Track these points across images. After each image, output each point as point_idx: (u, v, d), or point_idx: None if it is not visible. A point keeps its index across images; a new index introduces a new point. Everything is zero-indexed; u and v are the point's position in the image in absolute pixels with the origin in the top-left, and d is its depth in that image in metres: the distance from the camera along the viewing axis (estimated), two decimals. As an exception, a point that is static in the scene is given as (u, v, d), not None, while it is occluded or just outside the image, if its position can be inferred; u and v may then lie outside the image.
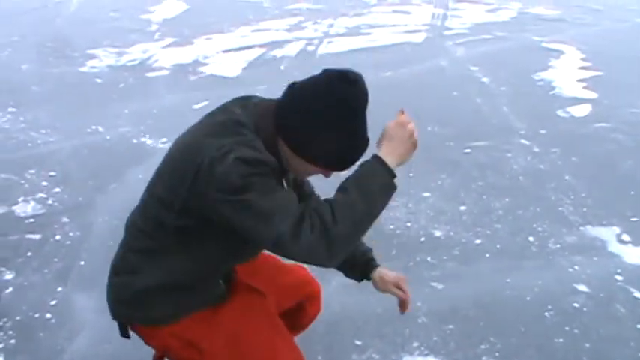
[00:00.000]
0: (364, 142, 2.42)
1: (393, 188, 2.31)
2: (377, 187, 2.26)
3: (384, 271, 2.94)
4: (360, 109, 2.36)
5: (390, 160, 2.29)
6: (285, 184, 2.53)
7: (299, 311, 3.12)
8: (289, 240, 2.15)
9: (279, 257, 2.83)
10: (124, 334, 2.75)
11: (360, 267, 2.95)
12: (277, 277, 3.00)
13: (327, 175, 2.51)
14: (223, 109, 2.44)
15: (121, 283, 2.64)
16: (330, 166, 2.43)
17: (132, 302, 2.61)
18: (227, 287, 2.70)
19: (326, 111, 2.28)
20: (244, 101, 2.46)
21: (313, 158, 2.39)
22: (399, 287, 2.89)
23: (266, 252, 2.71)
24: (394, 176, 2.30)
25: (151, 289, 2.53)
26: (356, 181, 2.25)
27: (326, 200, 2.25)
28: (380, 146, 2.34)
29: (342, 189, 2.26)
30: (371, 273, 2.94)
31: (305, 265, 3.02)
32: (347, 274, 3.02)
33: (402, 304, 2.91)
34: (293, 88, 2.39)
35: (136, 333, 2.73)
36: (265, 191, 2.19)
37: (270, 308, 2.77)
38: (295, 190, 2.65)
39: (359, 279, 3.00)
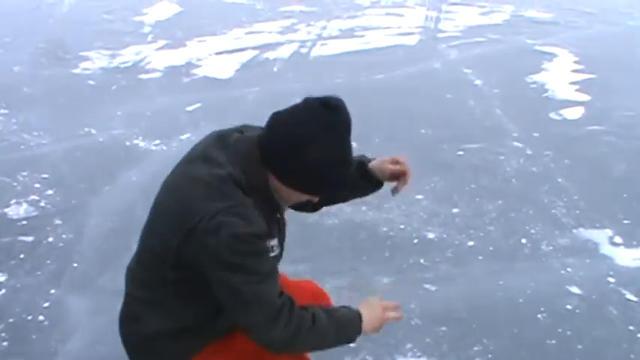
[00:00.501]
0: (349, 166, 2.46)
1: (352, 342, 2.60)
2: (347, 334, 2.55)
3: (376, 162, 2.93)
4: (344, 135, 2.36)
5: (364, 324, 2.57)
6: (279, 217, 2.60)
7: None
8: (259, 330, 2.34)
9: (286, 275, 2.89)
10: None
11: (359, 178, 2.91)
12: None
13: (315, 200, 2.58)
14: (204, 155, 2.41)
15: (128, 332, 2.66)
16: (320, 192, 2.50)
17: (142, 347, 2.63)
18: None
19: (312, 140, 2.28)
20: (223, 140, 2.44)
21: (303, 187, 2.42)
22: (396, 163, 2.90)
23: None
24: (359, 335, 2.59)
25: (159, 333, 2.54)
26: (339, 319, 2.51)
27: (311, 308, 2.45)
28: (363, 308, 2.62)
29: (327, 312, 2.49)
30: (369, 172, 2.92)
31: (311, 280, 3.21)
32: (355, 195, 3.06)
33: (400, 183, 2.91)
34: (275, 119, 2.38)
35: None
36: (252, 280, 2.28)
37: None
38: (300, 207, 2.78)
39: (371, 187, 2.99)
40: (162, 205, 2.46)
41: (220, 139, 2.45)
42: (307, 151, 2.28)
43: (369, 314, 2.60)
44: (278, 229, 2.57)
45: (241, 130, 2.52)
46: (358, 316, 2.56)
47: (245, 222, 2.24)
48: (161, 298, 2.51)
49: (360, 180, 2.89)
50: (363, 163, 2.89)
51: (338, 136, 2.33)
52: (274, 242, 2.48)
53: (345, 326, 2.52)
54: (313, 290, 3.09)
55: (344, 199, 3.14)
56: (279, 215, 2.58)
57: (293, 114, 2.34)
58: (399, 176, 2.89)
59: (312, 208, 2.90)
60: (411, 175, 2.90)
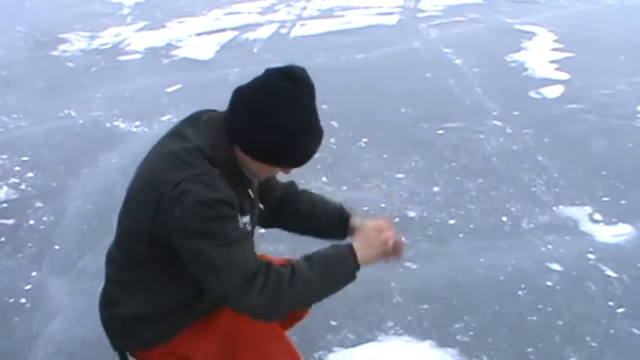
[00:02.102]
0: (319, 134, 2.43)
1: (352, 279, 2.43)
2: (340, 273, 2.40)
3: (360, 222, 2.84)
4: (309, 103, 2.35)
5: (359, 256, 2.42)
6: (251, 194, 2.54)
7: None
8: (235, 297, 2.25)
9: (265, 255, 2.86)
10: None
11: (337, 229, 2.89)
12: None
13: (287, 172, 2.55)
14: (175, 133, 2.41)
15: (108, 315, 2.65)
16: (289, 164, 2.45)
17: (122, 330, 2.62)
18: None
19: (276, 112, 2.27)
20: (195, 120, 2.44)
21: (272, 160, 2.40)
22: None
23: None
24: (358, 269, 2.43)
25: (137, 316, 2.54)
26: (324, 260, 2.38)
27: (290, 263, 2.34)
28: (354, 239, 2.51)
29: (308, 259, 2.38)
30: (348, 231, 2.86)
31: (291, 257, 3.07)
32: (325, 236, 2.93)
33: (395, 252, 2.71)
34: (238, 94, 2.36)
35: None
36: (221, 242, 2.23)
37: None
38: (265, 193, 2.77)
39: (340, 236, 2.90)
40: (134, 186, 2.46)
41: (192, 118, 2.46)
42: (268, 120, 2.27)
43: (363, 242, 2.48)
44: (250, 206, 2.52)
45: (214, 110, 2.52)
46: (349, 250, 2.42)
47: (209, 188, 2.22)
48: (139, 281, 2.51)
49: (334, 223, 2.88)
50: (346, 214, 2.88)
51: (300, 104, 2.31)
52: (246, 219, 2.43)
53: (335, 265, 2.39)
54: None
55: (302, 232, 3.01)
56: (250, 190, 2.54)
57: (254, 86, 2.34)
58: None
59: (264, 223, 2.88)
60: (402, 248, 2.70)
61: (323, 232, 2.93)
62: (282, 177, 2.77)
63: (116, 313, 2.59)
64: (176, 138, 2.37)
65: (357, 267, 2.42)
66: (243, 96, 2.34)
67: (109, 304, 2.63)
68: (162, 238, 2.30)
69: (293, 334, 3.40)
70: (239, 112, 2.33)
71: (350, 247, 2.43)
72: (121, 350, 2.72)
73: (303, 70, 2.33)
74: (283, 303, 2.29)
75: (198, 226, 2.20)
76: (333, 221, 2.88)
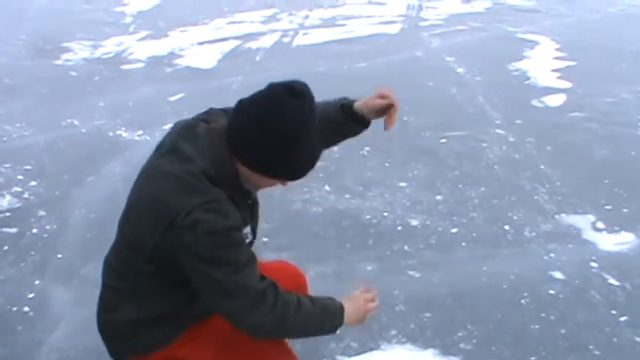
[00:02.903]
0: (318, 149, 2.44)
1: (334, 331, 2.63)
2: (330, 323, 2.58)
3: (362, 101, 2.84)
4: (311, 119, 2.35)
5: (345, 316, 2.61)
6: (251, 202, 2.57)
7: None
8: (244, 317, 2.36)
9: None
10: None
11: (343, 117, 2.83)
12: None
13: (284, 185, 2.56)
14: (174, 150, 2.39)
15: (105, 321, 2.67)
16: (289, 178, 2.47)
17: (119, 336, 2.63)
18: None
19: (278, 127, 2.28)
20: (191, 133, 2.42)
21: (272, 174, 2.42)
22: (384, 97, 2.81)
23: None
24: (340, 326, 2.62)
25: (134, 322, 2.55)
26: (324, 307, 2.55)
27: (296, 293, 2.49)
28: (345, 300, 2.66)
29: (311, 300, 2.53)
30: (355, 113, 2.83)
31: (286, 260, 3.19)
32: (343, 135, 2.93)
33: (389, 117, 2.81)
34: (240, 107, 2.37)
35: None
36: (231, 270, 2.30)
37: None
38: None
39: (357, 126, 2.88)
40: (136, 200, 2.47)
41: (188, 130, 2.43)
42: (271, 135, 2.28)
43: (351, 307, 2.64)
44: (250, 215, 2.55)
45: (206, 118, 2.50)
46: (341, 308, 2.60)
47: (220, 217, 2.25)
48: (137, 289, 2.52)
49: (348, 122, 2.82)
50: (348, 105, 2.83)
51: (302, 120, 2.32)
52: (247, 230, 2.48)
53: (330, 315, 2.56)
54: (288, 271, 3.09)
55: (335, 143, 2.93)
56: (250, 201, 2.56)
57: (257, 100, 2.34)
58: (386, 111, 2.82)
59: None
60: (397, 107, 2.80)
61: (346, 136, 2.93)
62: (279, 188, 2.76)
63: (113, 319, 2.60)
64: (177, 157, 2.35)
65: (342, 324, 2.61)
66: (245, 109, 2.35)
67: (106, 311, 2.64)
68: (166, 258, 2.33)
69: (296, 343, 3.40)
70: (241, 126, 2.33)
71: (341, 305, 2.61)
72: (117, 357, 2.72)
73: (305, 85, 2.34)
74: (286, 329, 2.44)
75: (210, 254, 2.26)
76: (346, 124, 2.85)
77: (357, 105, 2.82)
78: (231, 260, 2.29)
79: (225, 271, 2.28)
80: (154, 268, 2.41)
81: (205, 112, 2.57)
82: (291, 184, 2.56)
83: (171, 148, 2.40)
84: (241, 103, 2.37)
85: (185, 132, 2.43)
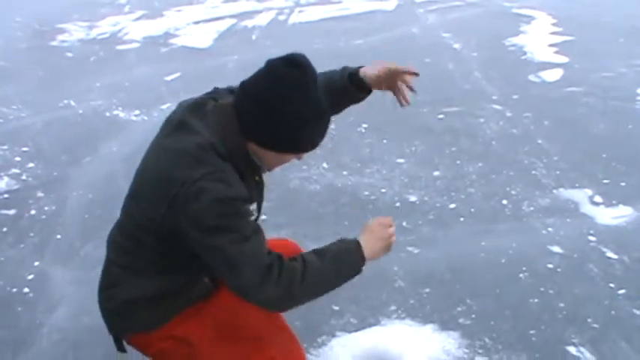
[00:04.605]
0: (327, 116, 2.43)
1: (358, 272, 2.47)
2: (348, 267, 2.44)
3: (368, 69, 2.84)
4: (313, 88, 2.34)
5: (366, 252, 2.46)
6: (258, 179, 2.57)
7: None
8: (251, 291, 2.29)
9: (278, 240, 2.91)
10: (120, 347, 2.76)
11: (350, 85, 2.83)
12: None
13: (299, 158, 2.55)
14: (181, 124, 2.39)
15: (107, 297, 2.65)
16: (302, 149, 2.46)
17: (120, 313, 2.62)
18: (213, 283, 2.72)
19: (282, 99, 2.28)
20: (200, 109, 2.43)
21: (286, 148, 2.41)
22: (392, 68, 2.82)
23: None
24: (364, 263, 2.46)
25: (137, 299, 2.54)
26: (334, 255, 2.42)
27: (300, 256, 2.38)
28: (361, 235, 2.51)
29: (318, 253, 2.41)
30: (361, 80, 2.83)
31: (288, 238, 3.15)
32: (351, 101, 2.93)
33: (399, 92, 2.85)
34: (243, 87, 2.37)
35: (132, 346, 2.73)
36: (236, 239, 2.26)
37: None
38: None
39: (360, 93, 2.88)
40: (143, 177, 2.46)
41: (196, 107, 2.44)
42: (275, 109, 2.29)
43: (371, 238, 2.52)
44: (258, 192, 2.57)
45: (214, 96, 2.50)
46: (356, 245, 2.47)
47: (225, 185, 2.24)
48: (141, 264, 2.52)
49: (355, 89, 2.83)
50: (355, 72, 2.83)
51: (305, 89, 2.31)
52: (253, 207, 2.46)
53: (344, 262, 2.43)
54: (289, 249, 3.08)
55: (340, 110, 2.93)
56: (257, 178, 2.56)
57: (258, 78, 2.35)
58: (389, 81, 2.84)
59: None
60: (413, 72, 2.82)
61: (349, 102, 2.92)
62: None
63: (115, 294, 2.59)
64: (184, 131, 2.36)
65: (363, 261, 2.46)
66: (247, 89, 2.35)
67: (109, 286, 2.63)
68: (173, 232, 2.32)
69: (295, 320, 3.42)
70: (246, 105, 2.33)
71: (357, 242, 2.47)
72: (116, 334, 2.72)
73: (304, 56, 2.34)
74: (297, 295, 2.34)
75: (215, 222, 2.23)
76: (351, 90, 2.85)
77: (363, 72, 2.83)
78: (236, 229, 2.26)
79: (230, 239, 2.25)
80: (159, 244, 2.40)
81: (211, 92, 2.56)
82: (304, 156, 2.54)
83: (179, 124, 2.40)
84: (243, 84, 2.38)
85: (194, 108, 2.44)
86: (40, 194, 5.34)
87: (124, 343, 2.73)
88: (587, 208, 5.07)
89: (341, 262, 2.42)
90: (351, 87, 2.82)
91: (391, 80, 2.85)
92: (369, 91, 2.89)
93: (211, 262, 2.33)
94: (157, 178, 2.35)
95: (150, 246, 2.43)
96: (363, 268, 2.47)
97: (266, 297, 2.29)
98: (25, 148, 6.16)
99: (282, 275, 2.29)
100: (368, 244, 2.48)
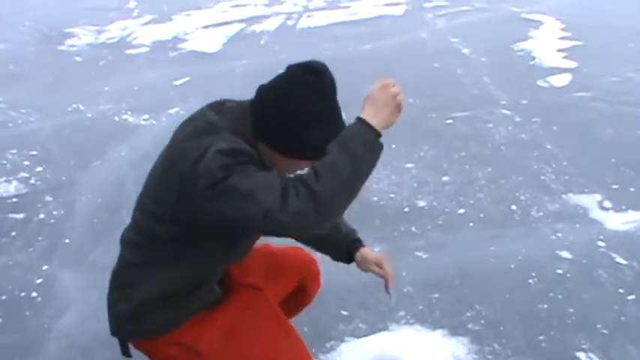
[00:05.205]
0: (342, 126, 2.36)
1: (378, 146, 2.22)
2: (362, 147, 2.18)
3: (367, 250, 2.99)
4: (332, 96, 2.35)
5: (374, 122, 2.21)
6: None
7: (300, 292, 3.11)
8: (278, 211, 2.10)
9: (271, 244, 2.94)
10: (125, 352, 2.74)
11: (344, 248, 3.00)
12: (274, 266, 2.99)
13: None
14: (199, 114, 2.42)
15: (119, 298, 2.61)
16: (316, 156, 2.28)
17: (131, 316, 2.59)
18: (221, 290, 2.71)
19: (301, 107, 2.28)
20: (219, 106, 2.44)
21: (300, 154, 2.38)
22: (380, 266, 2.95)
23: (257, 245, 2.78)
24: (379, 135, 2.21)
25: (149, 300, 2.52)
26: (339, 143, 2.18)
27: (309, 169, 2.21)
28: (363, 109, 2.26)
29: (325, 151, 2.19)
30: (354, 253, 2.99)
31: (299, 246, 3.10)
32: (333, 258, 3.09)
33: (386, 282, 2.97)
34: (262, 90, 2.37)
35: (139, 350, 2.71)
36: (246, 174, 2.16)
37: (266, 301, 2.77)
38: None
39: (345, 261, 3.05)
40: (158, 170, 2.45)
41: (215, 105, 2.45)
42: (297, 119, 2.28)
43: (373, 106, 2.25)
44: None
45: (232, 100, 2.51)
46: (357, 121, 2.22)
47: (231, 142, 2.21)
48: (157, 260, 2.49)
49: (343, 254, 3.03)
50: (354, 248, 3.01)
51: (323, 96, 2.32)
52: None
53: (354, 141, 2.18)
54: (300, 256, 3.09)
55: (317, 249, 3.12)
56: None
57: (277, 82, 2.34)
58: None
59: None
60: (392, 280, 2.98)
61: (332, 252, 3.10)
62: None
63: (129, 295, 2.55)
64: (198, 117, 2.38)
65: (377, 134, 2.20)
66: (265, 93, 2.35)
67: (122, 287, 2.60)
68: (187, 213, 2.28)
69: (304, 325, 3.42)
70: (261, 107, 2.33)
71: (357, 118, 2.23)
72: (123, 338, 2.70)
73: (323, 64, 2.33)
74: (323, 197, 2.11)
75: (222, 172, 2.14)
76: (340, 242, 3.03)
77: (361, 251, 3.00)
78: (245, 171, 2.17)
79: (239, 175, 2.14)
80: (174, 231, 2.37)
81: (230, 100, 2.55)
82: None
83: (196, 114, 2.43)
84: (262, 88, 2.37)
85: (211, 106, 2.45)
86: (48, 198, 5.35)
87: (130, 347, 2.72)
88: (596, 214, 5.06)
89: (351, 144, 2.18)
90: (342, 252, 3.02)
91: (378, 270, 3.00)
92: (350, 262, 3.07)
93: (229, 212, 2.19)
94: (169, 158, 2.36)
95: (166, 238, 2.41)
96: (381, 140, 2.21)
97: (294, 213, 2.09)
98: (33, 152, 6.17)
99: (299, 187, 2.12)
100: (374, 114, 2.24)
